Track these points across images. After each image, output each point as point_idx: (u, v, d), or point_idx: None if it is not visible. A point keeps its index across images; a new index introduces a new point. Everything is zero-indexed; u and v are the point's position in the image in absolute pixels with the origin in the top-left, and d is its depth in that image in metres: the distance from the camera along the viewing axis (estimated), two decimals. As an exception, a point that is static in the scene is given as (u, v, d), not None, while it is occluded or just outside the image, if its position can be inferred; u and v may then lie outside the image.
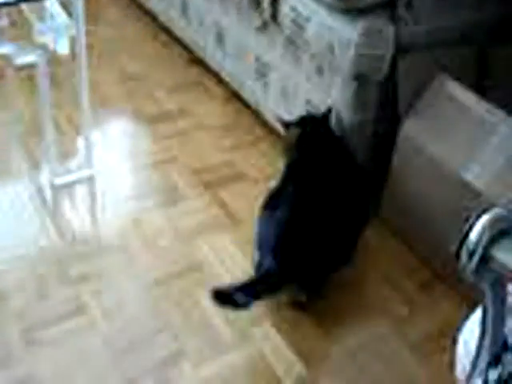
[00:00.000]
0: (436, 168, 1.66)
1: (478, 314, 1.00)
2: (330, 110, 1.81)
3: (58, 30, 1.69)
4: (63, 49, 1.74)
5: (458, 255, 0.84)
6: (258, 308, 1.58)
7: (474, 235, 0.83)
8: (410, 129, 1.72)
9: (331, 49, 1.74)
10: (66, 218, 1.85)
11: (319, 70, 1.86)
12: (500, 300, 0.87)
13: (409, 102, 1.74)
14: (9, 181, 1.96)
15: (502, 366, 0.90)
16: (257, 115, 2.25)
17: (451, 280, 1.68)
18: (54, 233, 1.79)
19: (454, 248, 0.84)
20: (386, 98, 1.80)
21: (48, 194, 1.92)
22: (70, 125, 2.15)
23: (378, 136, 1.85)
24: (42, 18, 1.72)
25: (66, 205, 1.90)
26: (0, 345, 1.48)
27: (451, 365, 1.15)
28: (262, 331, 1.56)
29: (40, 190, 1.92)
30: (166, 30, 2.70)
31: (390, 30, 1.67)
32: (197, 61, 2.53)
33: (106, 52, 2.55)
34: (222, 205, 1.92)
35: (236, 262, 1.74)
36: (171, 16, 2.58)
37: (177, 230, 1.82)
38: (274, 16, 1.93)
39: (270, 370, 1.49)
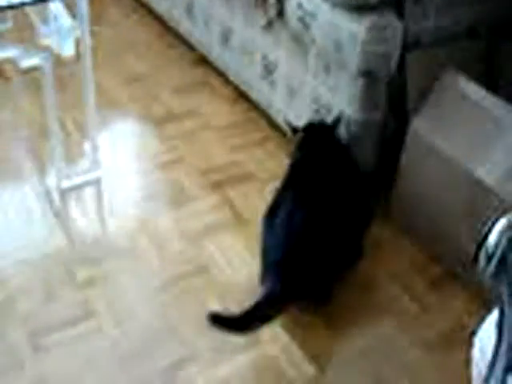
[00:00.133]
0: (446, 165, 1.64)
1: (493, 316, 0.98)
2: (339, 119, 1.78)
3: (62, 32, 1.68)
4: (68, 50, 1.73)
5: (476, 258, 0.82)
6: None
7: (492, 238, 0.81)
8: (419, 126, 1.70)
9: (338, 46, 1.72)
10: (74, 220, 1.84)
11: (326, 68, 1.84)
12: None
13: (417, 99, 1.73)
14: (16, 184, 1.95)
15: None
16: (264, 114, 2.24)
17: (462, 278, 1.67)
18: (61, 236, 1.78)
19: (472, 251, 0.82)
20: (393, 95, 1.78)
21: (55, 196, 1.91)
22: (76, 127, 2.14)
23: (387, 134, 1.84)
24: (45, 21, 1.71)
25: (73, 207, 1.89)
26: (8, 349, 1.48)
27: (465, 365, 1.13)
28: (270, 333, 1.54)
29: (47, 193, 1.91)
30: (171, 30, 2.69)
31: (397, 26, 1.65)
32: (203, 61, 2.52)
33: (110, 53, 2.54)
34: (230, 205, 1.91)
35: (244, 262, 1.73)
36: (176, 16, 2.57)
37: (184, 231, 1.81)
38: (280, 14, 1.92)
39: (280, 371, 1.47)
